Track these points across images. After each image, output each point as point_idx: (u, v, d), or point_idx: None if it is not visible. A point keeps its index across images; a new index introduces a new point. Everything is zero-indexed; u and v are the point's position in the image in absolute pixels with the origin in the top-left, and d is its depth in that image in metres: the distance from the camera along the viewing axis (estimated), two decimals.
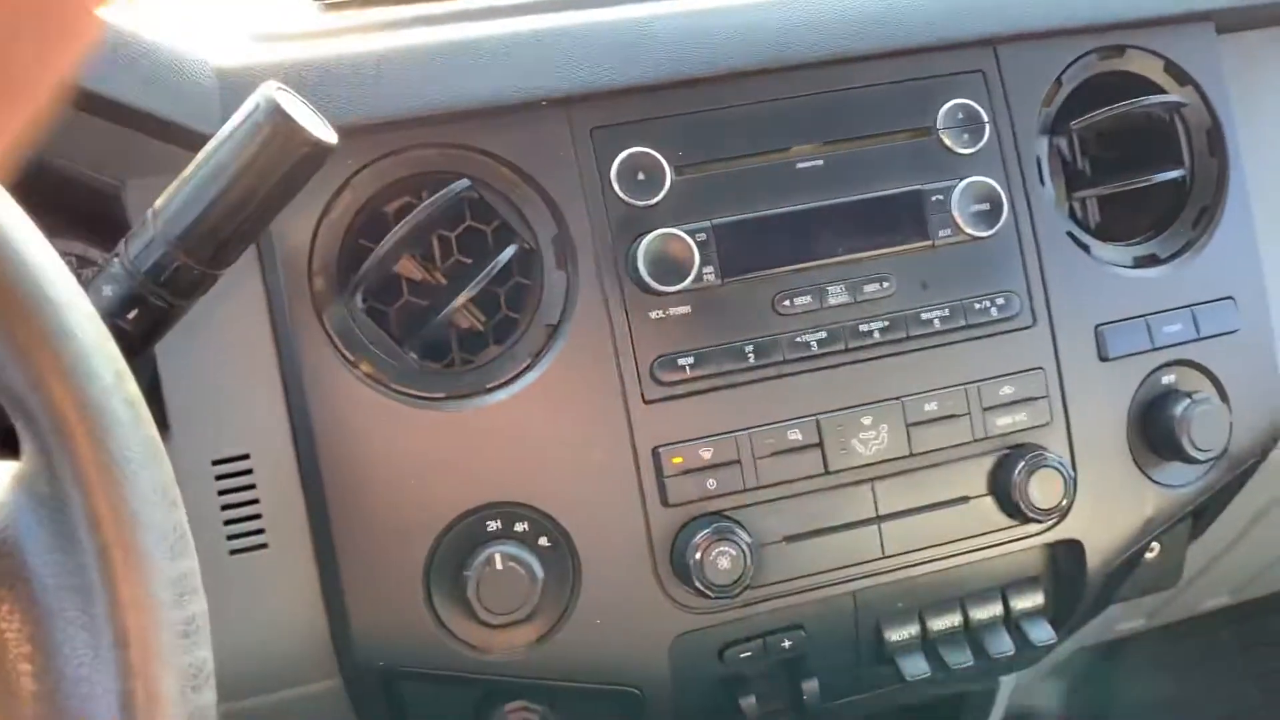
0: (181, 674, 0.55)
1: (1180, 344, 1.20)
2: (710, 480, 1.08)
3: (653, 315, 1.08)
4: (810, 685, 1.15)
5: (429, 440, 1.04)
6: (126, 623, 0.54)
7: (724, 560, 1.06)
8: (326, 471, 1.04)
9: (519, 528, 1.06)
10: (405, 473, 1.04)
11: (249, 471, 1.05)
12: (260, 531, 1.06)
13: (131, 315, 0.87)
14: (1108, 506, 1.19)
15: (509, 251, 1.06)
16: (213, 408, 1.05)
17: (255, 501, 1.05)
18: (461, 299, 1.04)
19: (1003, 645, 1.18)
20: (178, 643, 0.55)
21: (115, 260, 0.88)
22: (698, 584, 1.06)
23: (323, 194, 1.04)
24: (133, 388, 0.57)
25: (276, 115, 0.82)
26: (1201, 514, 1.35)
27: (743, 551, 1.06)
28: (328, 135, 0.85)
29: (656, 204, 1.08)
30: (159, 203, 0.87)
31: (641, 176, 1.08)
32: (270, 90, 0.83)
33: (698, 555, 1.05)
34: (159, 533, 0.55)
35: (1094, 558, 1.19)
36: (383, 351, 1.06)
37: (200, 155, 0.85)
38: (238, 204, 0.84)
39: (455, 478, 1.05)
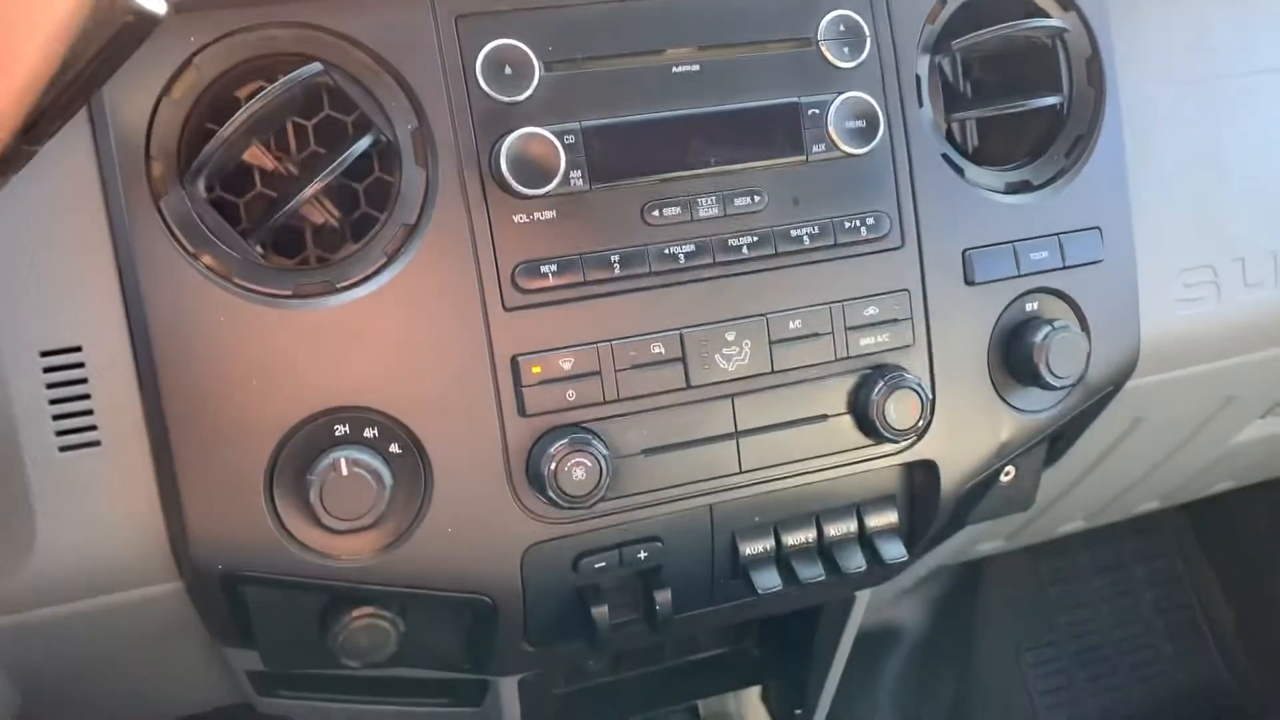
0: None
1: (1045, 271, 1.21)
2: (570, 391, 1.06)
3: (516, 219, 1.04)
4: (663, 596, 1.15)
5: (274, 339, 1.00)
6: None
7: (579, 472, 1.04)
8: (164, 367, 0.99)
9: (368, 433, 1.03)
10: (248, 372, 1.00)
11: (80, 365, 1.00)
12: (93, 428, 1.00)
13: None
14: (964, 429, 1.20)
15: (364, 142, 1.01)
16: (41, 295, 0.98)
17: (87, 397, 1.00)
18: (310, 189, 0.99)
19: (855, 561, 1.19)
20: None
21: None
22: (551, 494, 1.04)
23: (162, 71, 0.97)
24: None
25: None
26: (1057, 440, 1.38)
27: (599, 463, 1.04)
28: (156, 4, 0.78)
29: (523, 101, 1.03)
30: None
31: (508, 71, 1.03)
32: None
33: (553, 466, 1.04)
34: None
35: (948, 479, 1.21)
36: (226, 244, 1.00)
37: None
38: (53, 74, 0.77)
39: (301, 379, 1.01)
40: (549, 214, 1.05)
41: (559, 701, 1.58)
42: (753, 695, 1.64)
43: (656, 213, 1.07)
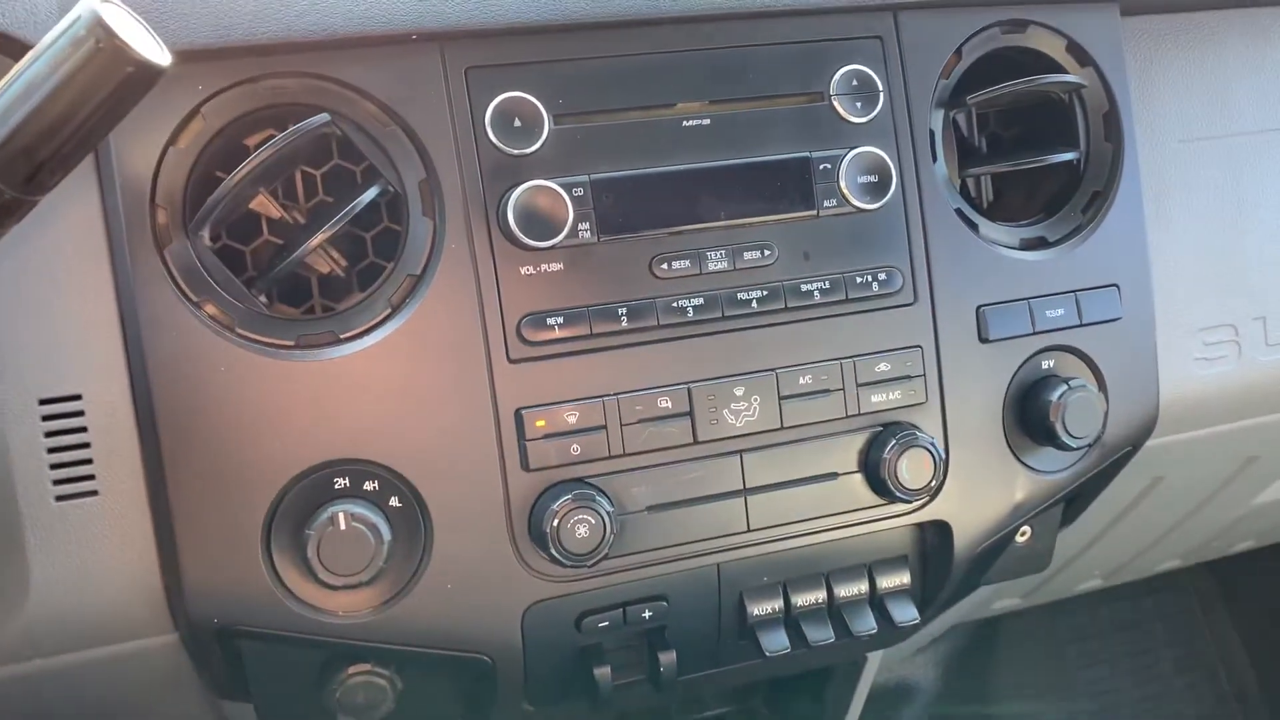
0: None
1: (1062, 329, 1.19)
2: (574, 446, 1.04)
3: (523, 271, 1.03)
4: (668, 657, 1.12)
5: (275, 390, 0.98)
6: None
7: (582, 529, 1.02)
8: (163, 417, 0.97)
9: (368, 486, 1.01)
10: (248, 423, 0.98)
11: (80, 414, 0.98)
12: (90, 478, 0.99)
13: None
14: (978, 489, 1.18)
15: (371, 192, 1.00)
16: (41, 343, 0.97)
17: (86, 446, 0.99)
18: (317, 239, 0.98)
19: (866, 623, 1.16)
20: None
21: None
22: (554, 552, 1.02)
23: (169, 120, 0.97)
24: None
25: (98, 29, 0.74)
26: (1073, 500, 1.35)
27: (603, 520, 1.02)
28: (159, 56, 0.78)
29: (532, 153, 1.02)
30: None
31: (518, 123, 1.02)
32: (93, 2, 0.76)
33: (555, 523, 1.02)
34: None
35: (962, 540, 1.19)
36: (230, 293, 0.99)
37: (14, 70, 0.78)
38: (53, 125, 0.77)
39: (301, 431, 0.99)
40: (556, 266, 1.03)
41: None
42: None
43: (665, 265, 1.06)
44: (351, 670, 1.07)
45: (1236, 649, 2.52)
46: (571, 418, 1.04)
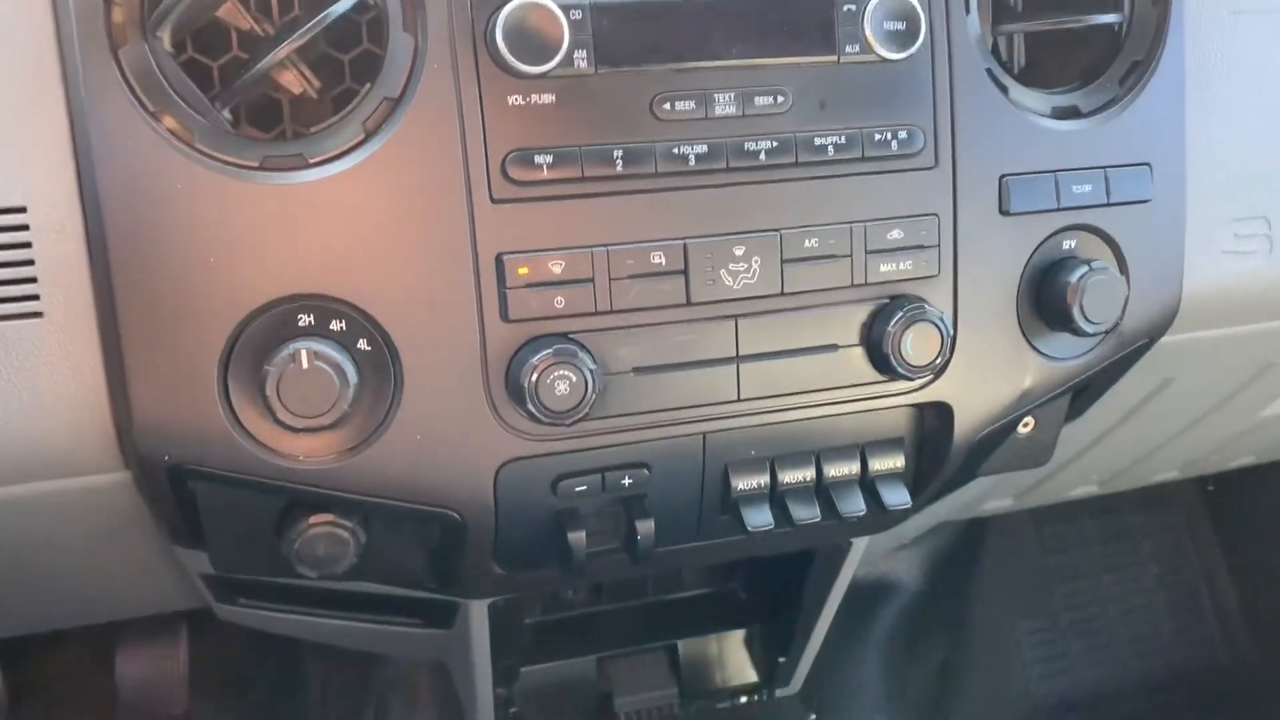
0: None
1: (1087, 207, 1.11)
2: (558, 298, 0.97)
3: (511, 100, 0.94)
4: (646, 526, 1.07)
5: (236, 213, 0.91)
6: None
7: (562, 385, 0.95)
8: (115, 236, 0.90)
9: (335, 326, 0.94)
10: (206, 247, 0.91)
11: (25, 228, 0.91)
12: (35, 298, 0.92)
13: None
14: (984, 372, 1.11)
15: (347, 2, 0.91)
16: None
17: (30, 264, 0.91)
18: (285, 48, 0.89)
19: (854, 505, 1.11)
20: None
21: None
22: (531, 408, 0.96)
23: None
24: None
25: None
26: (1081, 394, 1.29)
27: (585, 378, 0.96)
28: None
29: None
30: None
31: None
32: None
33: (534, 377, 0.95)
34: None
35: (963, 424, 1.12)
36: (191, 105, 0.91)
37: None
38: None
39: (263, 260, 0.92)
40: (548, 97, 0.95)
41: (534, 630, 1.52)
42: (735, 639, 1.57)
43: (668, 106, 0.97)
44: (313, 520, 1.02)
45: (1220, 569, 2.51)
46: (557, 267, 0.97)
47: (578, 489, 1.05)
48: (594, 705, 1.50)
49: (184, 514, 1.04)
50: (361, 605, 1.34)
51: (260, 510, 1.03)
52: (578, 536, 1.05)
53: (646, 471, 1.07)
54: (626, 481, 1.06)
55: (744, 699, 1.52)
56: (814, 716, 1.45)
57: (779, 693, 1.54)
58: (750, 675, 1.57)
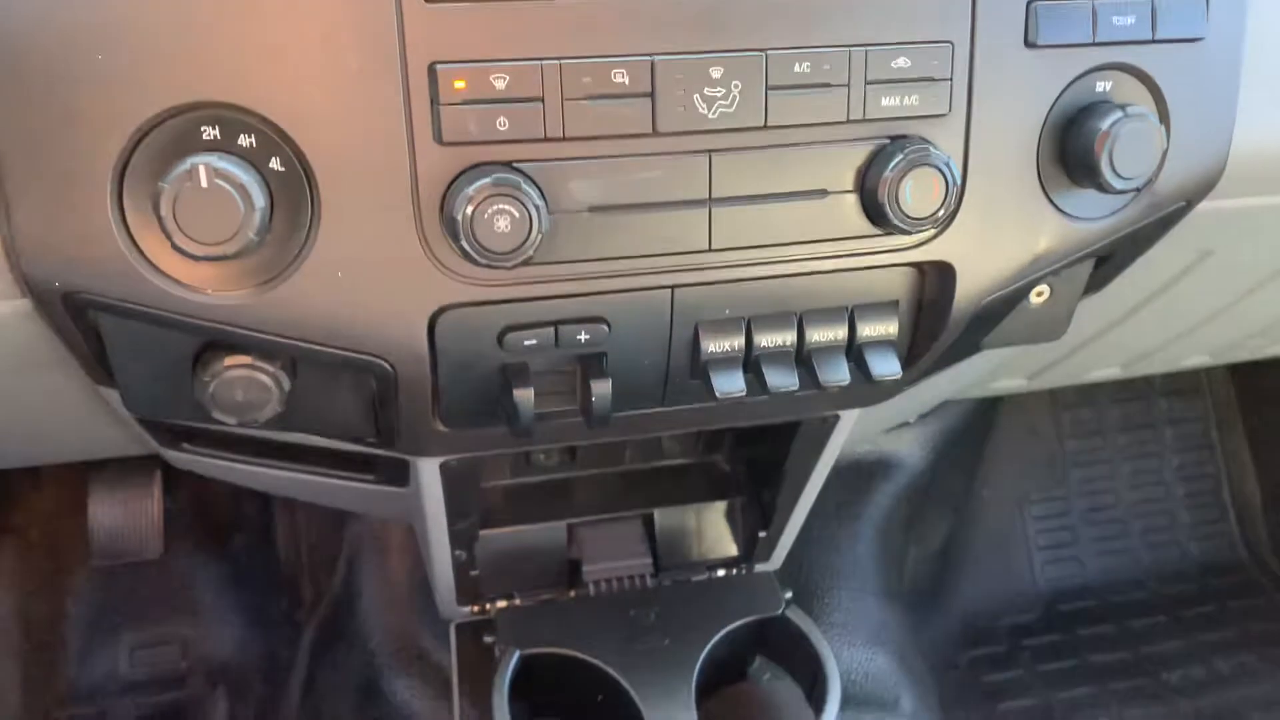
0: None
1: (1127, 43, 0.96)
2: (501, 119, 0.84)
3: None
4: (602, 387, 0.96)
5: (130, 4, 0.78)
6: None
7: (502, 221, 0.83)
8: None
9: (244, 141, 0.82)
10: (94, 44, 0.78)
11: None
12: None
13: None
14: (995, 228, 0.98)
15: None
16: None
17: None
18: None
19: (838, 373, 1.00)
20: None
21: None
22: (465, 245, 0.84)
23: None
24: None
25: None
26: (1104, 262, 1.16)
27: (529, 214, 0.84)
28: None
29: None
30: None
31: None
32: None
33: (470, 210, 0.83)
34: None
35: (966, 288, 1.00)
36: None
37: None
38: None
39: (160, 61, 0.79)
40: None
41: (501, 494, 1.44)
42: (716, 511, 1.48)
43: None
44: (229, 362, 0.92)
45: (1245, 463, 2.40)
46: (500, 82, 0.84)
47: (526, 343, 0.94)
48: (562, 572, 1.43)
49: (93, 349, 0.95)
50: (312, 458, 1.25)
51: (172, 349, 0.93)
52: (525, 394, 0.95)
53: (605, 327, 0.95)
54: (583, 337, 0.95)
55: (720, 572, 1.45)
56: (789, 594, 1.36)
57: (758, 568, 1.46)
58: (730, 549, 1.49)
